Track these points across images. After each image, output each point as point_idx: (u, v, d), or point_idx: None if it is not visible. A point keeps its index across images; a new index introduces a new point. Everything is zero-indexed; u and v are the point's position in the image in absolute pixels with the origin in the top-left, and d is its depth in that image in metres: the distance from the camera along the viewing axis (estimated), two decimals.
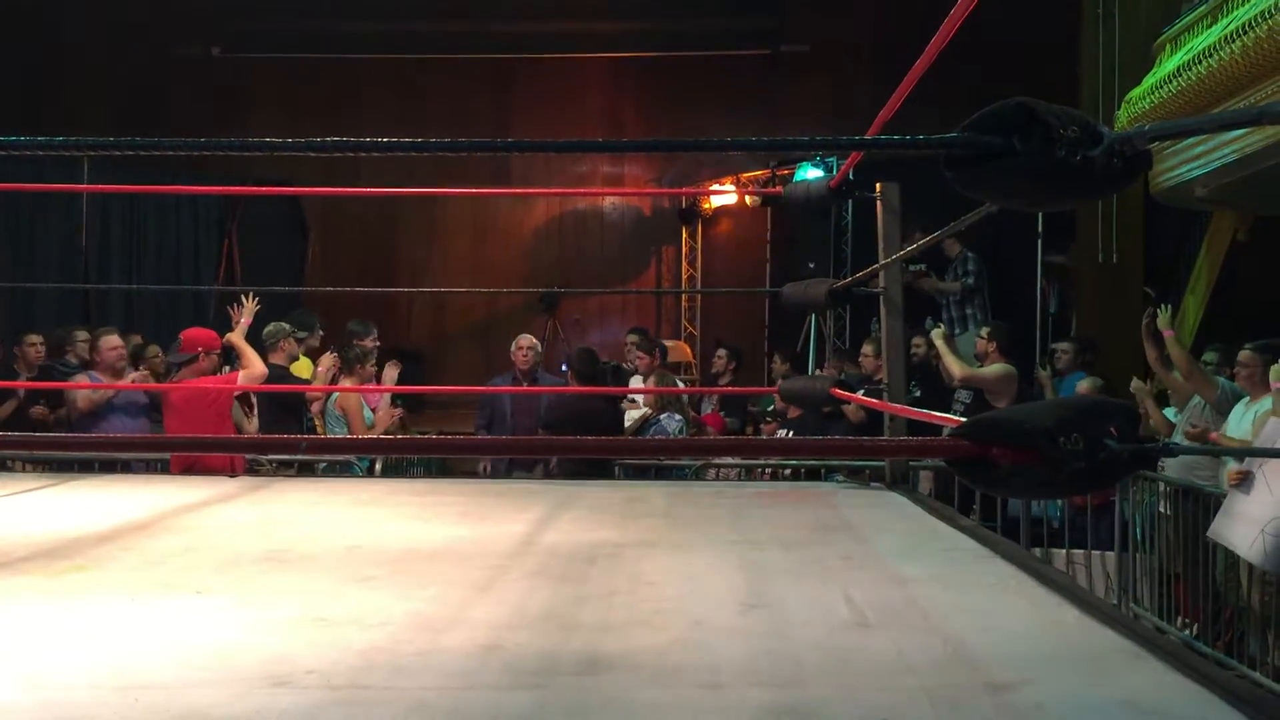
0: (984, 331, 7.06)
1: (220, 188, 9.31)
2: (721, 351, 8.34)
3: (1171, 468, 5.69)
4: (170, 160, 9.42)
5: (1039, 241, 9.09)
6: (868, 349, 7.22)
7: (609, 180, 12.90)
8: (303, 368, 7.38)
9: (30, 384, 6.55)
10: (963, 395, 6.91)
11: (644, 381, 7.46)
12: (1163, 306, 6.18)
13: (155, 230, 10.76)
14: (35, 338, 6.91)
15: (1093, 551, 6.03)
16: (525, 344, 7.09)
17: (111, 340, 6.54)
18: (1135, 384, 6.47)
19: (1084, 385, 6.67)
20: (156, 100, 11.93)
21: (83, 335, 7.20)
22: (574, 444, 2.77)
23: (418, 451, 5.65)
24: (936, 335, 6.98)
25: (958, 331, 8.53)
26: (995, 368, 6.69)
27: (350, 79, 12.38)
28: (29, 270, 9.73)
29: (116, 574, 2.61)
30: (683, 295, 12.55)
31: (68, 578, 2.55)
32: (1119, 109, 7.35)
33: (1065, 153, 1.55)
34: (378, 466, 5.91)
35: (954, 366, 6.72)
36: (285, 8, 11.16)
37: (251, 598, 2.37)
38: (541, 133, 12.04)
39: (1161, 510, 5.77)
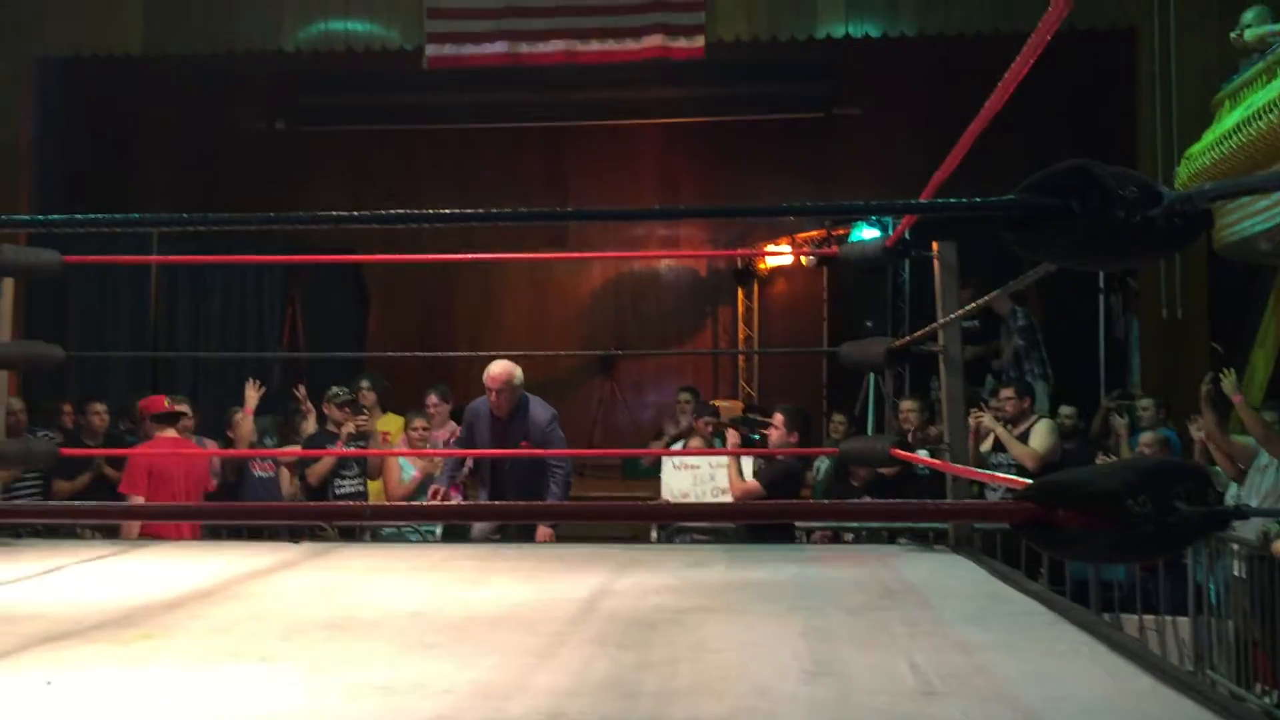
0: (1010, 391, 6.88)
1: (283, 257, 9.52)
2: (778, 418, 6.12)
3: (1247, 528, 5.54)
4: (236, 232, 9.65)
5: (1100, 296, 9.02)
6: (908, 405, 7.10)
7: (665, 242, 13.00)
8: (388, 423, 7.50)
9: (96, 451, 6.68)
10: (1006, 458, 6.74)
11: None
12: (1226, 371, 6.03)
13: (221, 299, 11.00)
14: (99, 406, 7.05)
15: (1165, 616, 5.87)
16: (497, 380, 5.71)
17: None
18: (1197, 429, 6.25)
19: (1148, 438, 6.54)
20: (222, 173, 12.25)
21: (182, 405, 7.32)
22: (628, 510, 2.76)
23: (473, 517, 5.67)
24: (990, 420, 6.78)
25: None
26: (1045, 435, 6.55)
27: (408, 148, 12.63)
28: (100, 340, 9.98)
29: (183, 641, 2.64)
30: (739, 355, 12.55)
31: (136, 646, 2.58)
32: (1179, 165, 7.29)
33: (1124, 213, 1.54)
34: (438, 531, 5.95)
35: (1022, 454, 6.49)
36: (345, 83, 11.44)
37: (316, 665, 2.38)
38: (597, 196, 12.19)
39: (1236, 574, 5.62)
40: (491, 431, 5.74)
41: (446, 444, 6.87)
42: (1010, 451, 6.54)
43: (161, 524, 5.34)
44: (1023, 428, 6.68)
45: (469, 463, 6.26)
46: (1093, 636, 2.60)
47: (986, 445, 6.74)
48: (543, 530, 5.43)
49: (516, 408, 5.76)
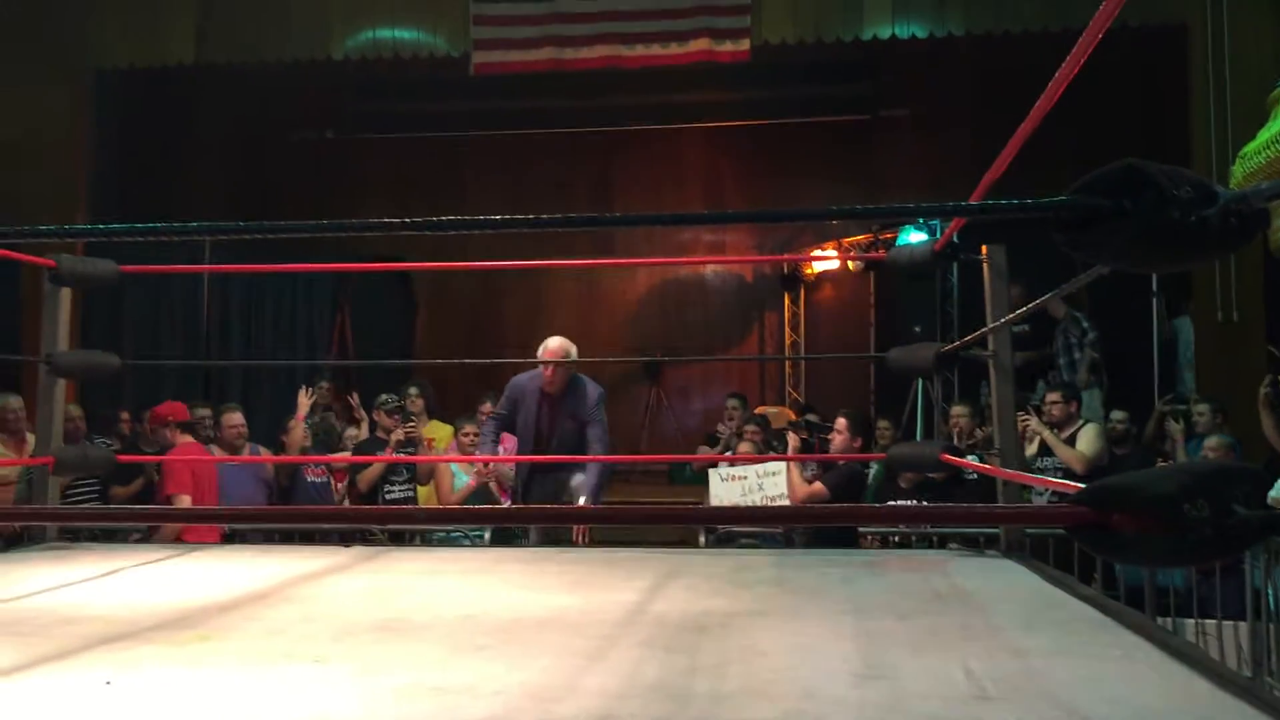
0: (1056, 396, 6.83)
1: (333, 265, 9.63)
2: (841, 422, 6.18)
3: None
4: (286, 240, 9.79)
5: (1153, 299, 8.90)
6: (959, 410, 7.06)
7: (711, 248, 12.99)
8: (435, 430, 7.59)
9: (154, 458, 6.79)
10: (1052, 462, 6.68)
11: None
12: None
13: (272, 307, 11.13)
14: (204, 411, 7.16)
15: (1223, 621, 5.78)
16: (555, 354, 5.87)
17: (233, 418, 6.77)
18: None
19: (1212, 442, 6.44)
20: (272, 181, 12.42)
21: (202, 410, 7.45)
22: (693, 513, 2.76)
23: (523, 521, 5.70)
24: (1036, 424, 6.75)
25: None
26: (1093, 438, 6.49)
27: (455, 155, 12.73)
28: (154, 347, 10.13)
29: (238, 643, 2.68)
30: (786, 361, 12.51)
31: (192, 647, 2.62)
32: (1233, 163, 7.17)
33: (1179, 213, 1.53)
34: (486, 536, 5.99)
35: (1069, 457, 6.45)
36: (392, 91, 11.55)
37: (368, 667, 2.40)
38: (643, 201, 12.21)
39: None
40: (539, 408, 5.80)
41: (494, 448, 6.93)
42: (1057, 454, 6.50)
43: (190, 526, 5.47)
44: (1069, 432, 6.63)
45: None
46: (1148, 641, 2.57)
47: (1031, 449, 6.69)
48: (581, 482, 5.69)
49: (567, 384, 5.79)
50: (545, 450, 5.82)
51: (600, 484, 5.78)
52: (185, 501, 6.04)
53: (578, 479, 5.92)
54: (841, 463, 6.05)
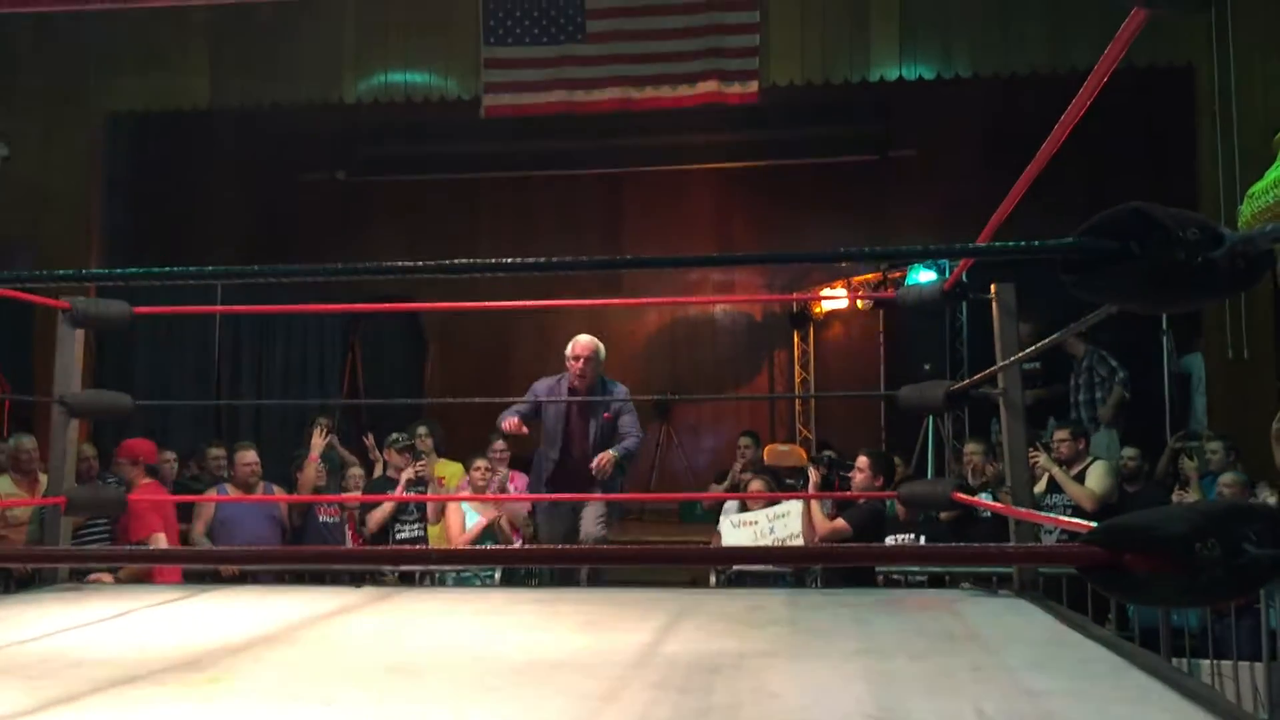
0: (1065, 433, 6.83)
1: (344, 306, 9.68)
2: (864, 460, 6.28)
3: None
4: (298, 281, 9.86)
5: (1164, 338, 8.90)
6: (972, 448, 7.05)
7: (719, 286, 13.03)
8: (444, 469, 7.61)
9: (165, 497, 6.80)
10: (1061, 499, 6.67)
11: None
12: None
13: (283, 346, 11.18)
14: (169, 454, 7.19)
15: (1239, 662, 5.73)
16: (586, 348, 5.93)
17: (247, 455, 6.79)
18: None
19: (1228, 479, 6.42)
20: (284, 222, 12.51)
21: (215, 450, 7.47)
22: (701, 554, 2.74)
23: (536, 562, 5.70)
24: (1046, 461, 6.72)
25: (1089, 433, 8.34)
26: (1102, 476, 6.48)
27: (466, 196, 12.81)
28: (166, 387, 10.17)
29: (248, 684, 2.68)
30: (796, 400, 12.50)
31: (201, 689, 2.61)
32: (1241, 203, 7.20)
33: (1185, 255, 1.54)
34: (497, 575, 5.99)
35: (1079, 495, 6.44)
36: (404, 132, 11.65)
37: (379, 708, 2.40)
38: (652, 241, 12.26)
39: None
40: (568, 406, 5.85)
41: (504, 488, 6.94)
42: (1067, 492, 6.48)
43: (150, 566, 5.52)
44: (1078, 469, 6.62)
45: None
46: (1163, 682, 2.55)
47: (1040, 486, 6.68)
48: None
49: (595, 382, 5.91)
50: (572, 449, 5.93)
51: (633, 452, 5.99)
52: (161, 541, 6.07)
53: (588, 515, 5.92)
54: (863, 500, 6.04)
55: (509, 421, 5.83)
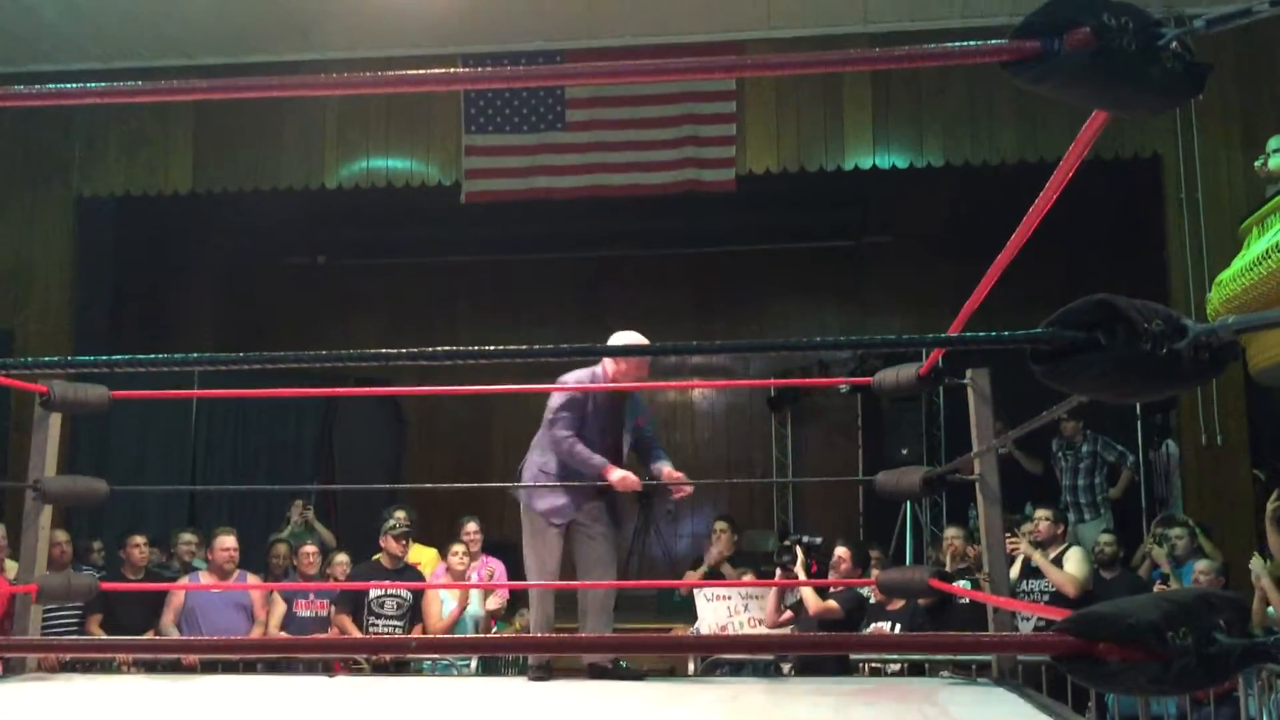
0: (1046, 514, 6.84)
1: (322, 390, 9.67)
2: (845, 552, 6.13)
3: None
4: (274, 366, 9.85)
5: (1139, 423, 8.98)
6: (952, 533, 7.06)
7: (697, 370, 13.09)
8: (419, 554, 7.54)
9: (136, 585, 6.70)
10: (1038, 585, 6.67)
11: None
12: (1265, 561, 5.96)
13: (260, 429, 11.11)
14: (139, 539, 7.07)
15: None
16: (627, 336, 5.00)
17: (226, 541, 6.73)
18: (1255, 562, 6.14)
19: (1203, 566, 6.43)
20: (264, 305, 12.54)
21: (186, 536, 7.39)
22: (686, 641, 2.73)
23: (517, 649, 5.64)
24: (1028, 547, 6.72)
25: (1087, 518, 8.37)
26: (1079, 564, 6.50)
27: (446, 280, 12.88)
28: (141, 471, 10.08)
29: None
30: (774, 484, 12.48)
31: None
32: (1210, 291, 7.32)
33: (1150, 346, 1.58)
34: (473, 664, 5.91)
35: (1063, 582, 6.42)
36: (384, 217, 11.74)
37: None
38: (630, 325, 12.28)
39: None
40: (609, 411, 4.91)
41: (481, 575, 6.88)
42: (1050, 578, 6.48)
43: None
44: (1054, 553, 6.63)
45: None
46: None
47: (1014, 571, 6.68)
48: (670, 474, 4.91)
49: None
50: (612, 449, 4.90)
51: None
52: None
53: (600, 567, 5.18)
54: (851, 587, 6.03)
55: (625, 478, 4.73)
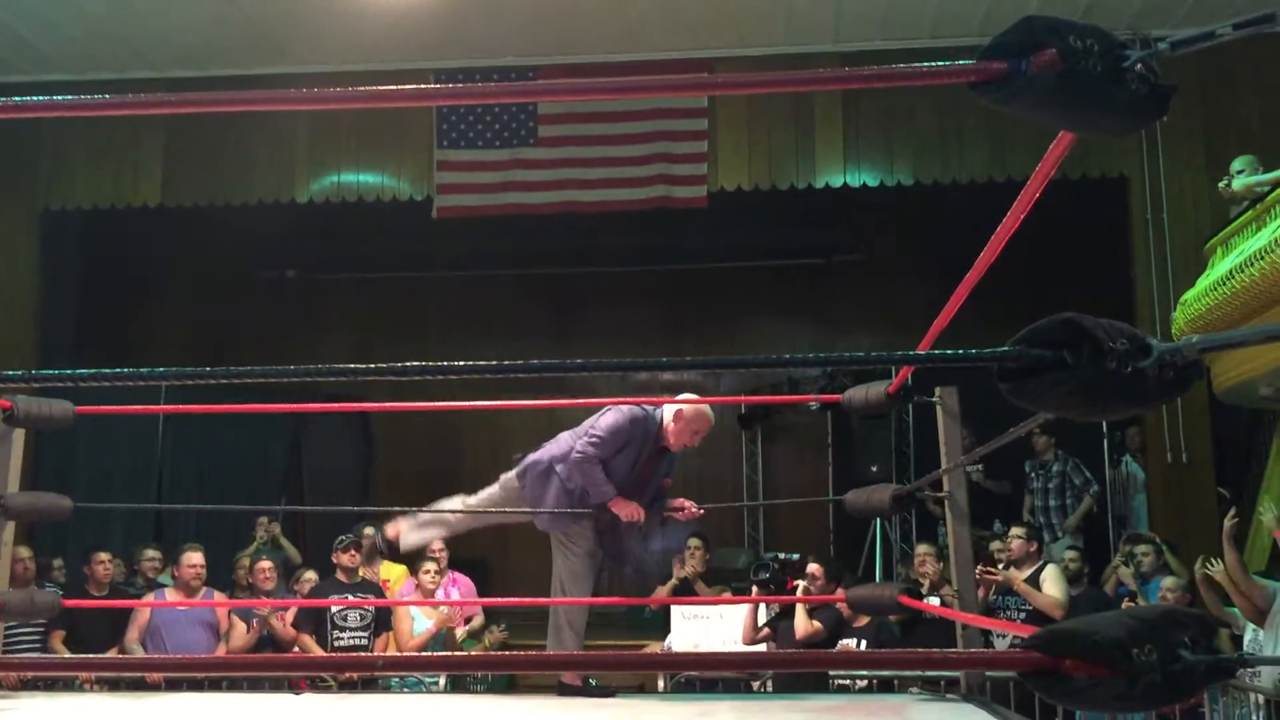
0: (1020, 532, 6.84)
1: (290, 406, 9.60)
2: (816, 568, 6.31)
3: (1268, 677, 5.43)
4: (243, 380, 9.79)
5: (1104, 442, 9.05)
6: (923, 550, 7.05)
7: (668, 386, 13.05)
8: (389, 570, 7.51)
9: (99, 602, 6.61)
10: (1017, 601, 6.67)
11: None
12: (1265, 505, 6.01)
13: (228, 446, 11.02)
14: (104, 555, 6.98)
15: None
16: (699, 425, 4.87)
17: (193, 557, 6.66)
18: (1268, 515, 6.10)
19: (1169, 584, 6.47)
20: (233, 320, 12.44)
21: (150, 553, 7.30)
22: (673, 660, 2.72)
23: (485, 668, 5.61)
24: (1011, 574, 6.62)
25: (1059, 536, 8.42)
26: (1059, 580, 6.51)
27: (417, 295, 12.83)
28: (107, 487, 9.96)
29: None
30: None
31: None
32: (1175, 310, 7.40)
33: (1115, 365, 1.59)
34: (441, 681, 5.88)
35: (1047, 605, 6.37)
36: (355, 232, 11.70)
37: None
38: (602, 341, 12.31)
39: None
40: (653, 461, 4.78)
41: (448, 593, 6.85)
42: (1033, 603, 6.38)
43: None
44: (1028, 572, 6.63)
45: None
46: None
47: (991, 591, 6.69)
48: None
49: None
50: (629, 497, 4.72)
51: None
52: None
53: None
54: (831, 606, 6.05)
55: (629, 506, 4.63)
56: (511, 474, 4.76)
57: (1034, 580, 6.58)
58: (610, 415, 4.67)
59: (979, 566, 6.53)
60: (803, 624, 6.02)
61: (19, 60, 9.27)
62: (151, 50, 9.23)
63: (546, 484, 4.66)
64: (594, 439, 4.61)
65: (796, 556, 6.77)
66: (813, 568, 6.24)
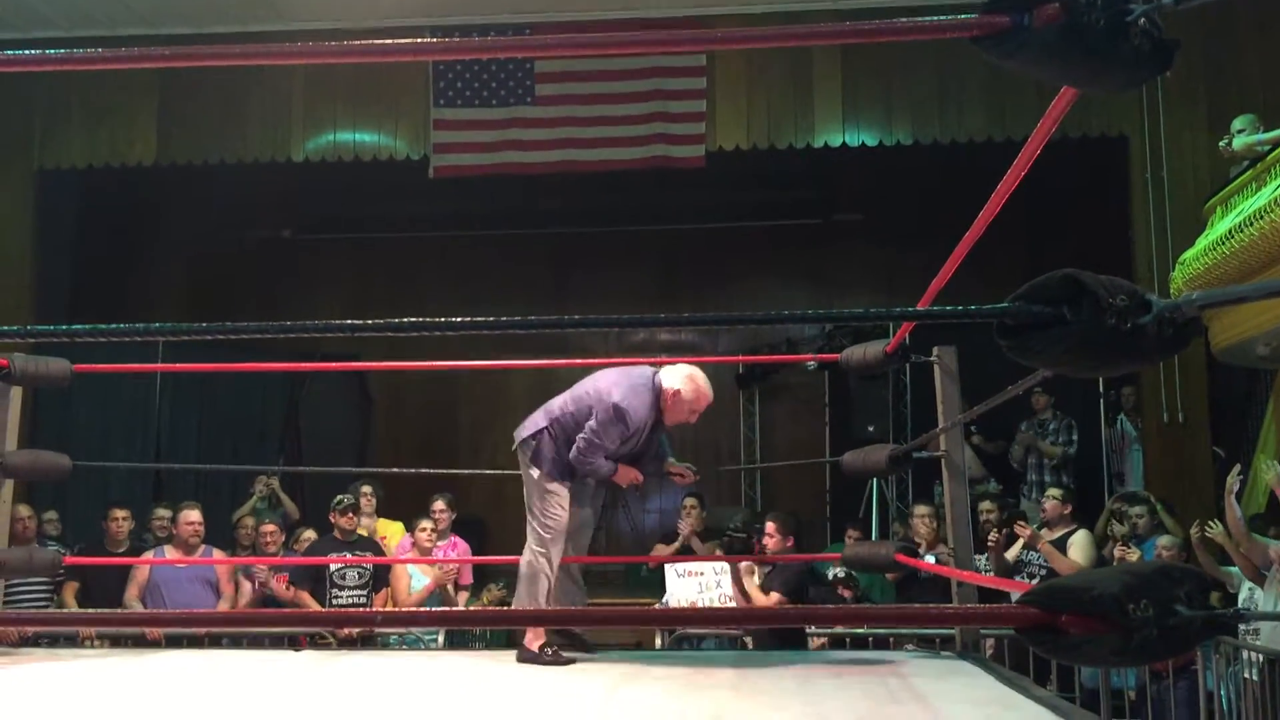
0: (1056, 493, 6.89)
1: (287, 364, 9.59)
2: (771, 525, 6.23)
3: (1265, 635, 5.46)
4: (241, 338, 9.78)
5: (1101, 401, 9.07)
6: (921, 510, 7.07)
7: (665, 347, 13.06)
8: (386, 528, 7.53)
9: (100, 560, 6.63)
10: (1035, 557, 6.69)
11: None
12: (1268, 463, 6.01)
13: (226, 404, 11.02)
14: (120, 512, 6.98)
15: None
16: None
17: (191, 515, 6.67)
18: (1270, 474, 6.12)
19: (1165, 542, 6.49)
20: (229, 279, 12.41)
21: (161, 511, 7.32)
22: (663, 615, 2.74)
23: (482, 623, 5.65)
24: (1037, 536, 6.57)
25: (1038, 496, 8.45)
26: (1087, 546, 6.52)
27: (413, 255, 12.79)
28: (106, 446, 9.97)
29: None
30: (743, 458, 12.52)
31: None
32: (1174, 270, 7.39)
33: (1115, 321, 1.59)
34: (440, 639, 5.91)
35: (1068, 570, 6.32)
36: (351, 191, 11.65)
37: None
38: (599, 301, 12.30)
39: (1247, 676, 5.53)
40: (653, 434, 4.72)
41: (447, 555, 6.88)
42: (1057, 567, 6.34)
43: None
44: (1058, 533, 6.64)
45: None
46: None
47: (1013, 552, 6.72)
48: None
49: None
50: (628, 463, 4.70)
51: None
52: None
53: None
54: (788, 565, 6.01)
55: (627, 472, 4.63)
56: (531, 471, 4.60)
57: (1061, 543, 6.58)
58: (610, 407, 4.53)
59: (1015, 525, 6.60)
60: (758, 598, 5.87)
61: (12, 17, 9.18)
62: (146, 6, 9.14)
63: (553, 447, 4.60)
64: (606, 429, 4.51)
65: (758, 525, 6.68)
66: (768, 526, 6.12)
